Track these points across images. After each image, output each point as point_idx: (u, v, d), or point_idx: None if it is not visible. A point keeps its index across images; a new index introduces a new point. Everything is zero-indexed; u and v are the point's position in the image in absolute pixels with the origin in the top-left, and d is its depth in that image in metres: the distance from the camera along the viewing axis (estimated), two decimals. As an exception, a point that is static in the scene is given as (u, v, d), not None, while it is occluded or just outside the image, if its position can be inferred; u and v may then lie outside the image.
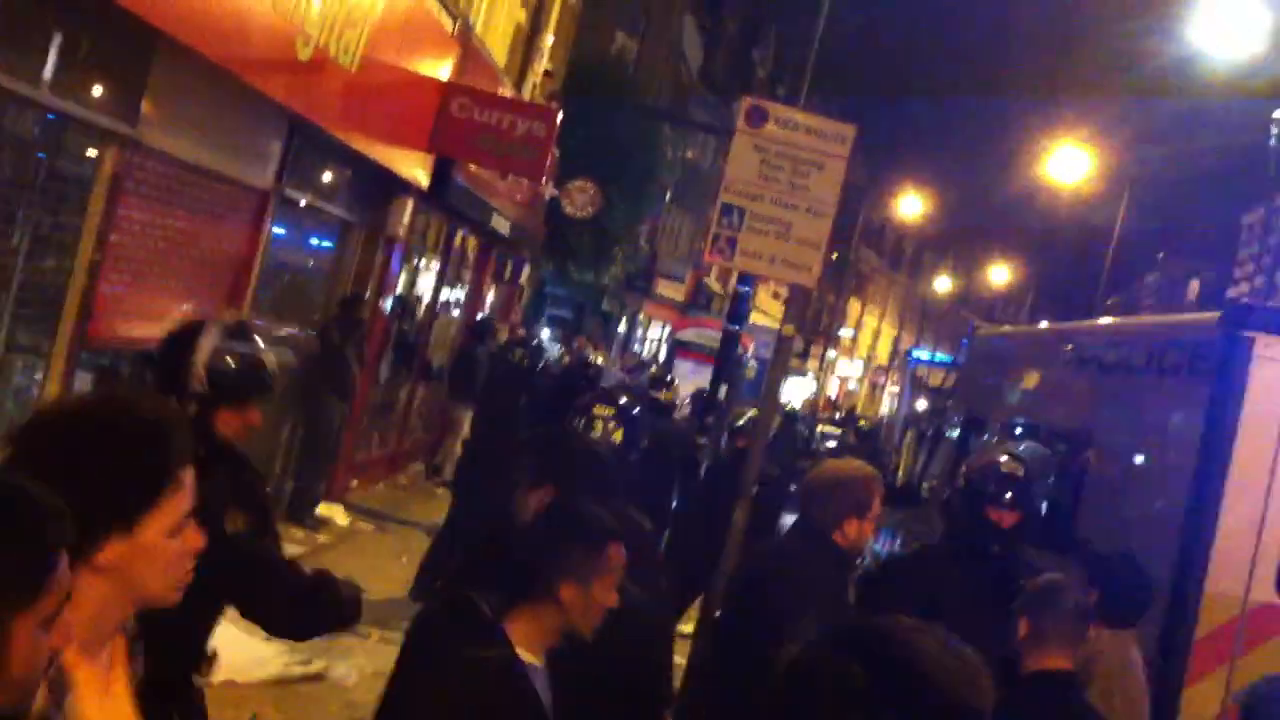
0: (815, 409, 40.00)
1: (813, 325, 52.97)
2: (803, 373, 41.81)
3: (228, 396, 3.53)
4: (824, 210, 6.83)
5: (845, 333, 61.01)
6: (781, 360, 7.13)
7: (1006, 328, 17.99)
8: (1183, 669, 5.32)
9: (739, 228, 6.78)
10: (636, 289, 32.69)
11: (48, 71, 6.16)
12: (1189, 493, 5.50)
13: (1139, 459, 6.45)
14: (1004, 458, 4.97)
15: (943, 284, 66.61)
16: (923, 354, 22.29)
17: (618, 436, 4.80)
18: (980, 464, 4.99)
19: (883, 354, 66.05)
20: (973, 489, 4.82)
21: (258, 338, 3.78)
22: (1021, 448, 5.17)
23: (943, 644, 1.69)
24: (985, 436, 8.70)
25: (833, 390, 57.00)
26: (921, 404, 19.05)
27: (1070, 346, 7.76)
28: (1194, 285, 50.54)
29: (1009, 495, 4.76)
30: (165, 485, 2.02)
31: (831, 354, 55.61)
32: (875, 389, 65.10)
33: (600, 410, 4.89)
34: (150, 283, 8.04)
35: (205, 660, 3.61)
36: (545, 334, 20.21)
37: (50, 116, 6.46)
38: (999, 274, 63.45)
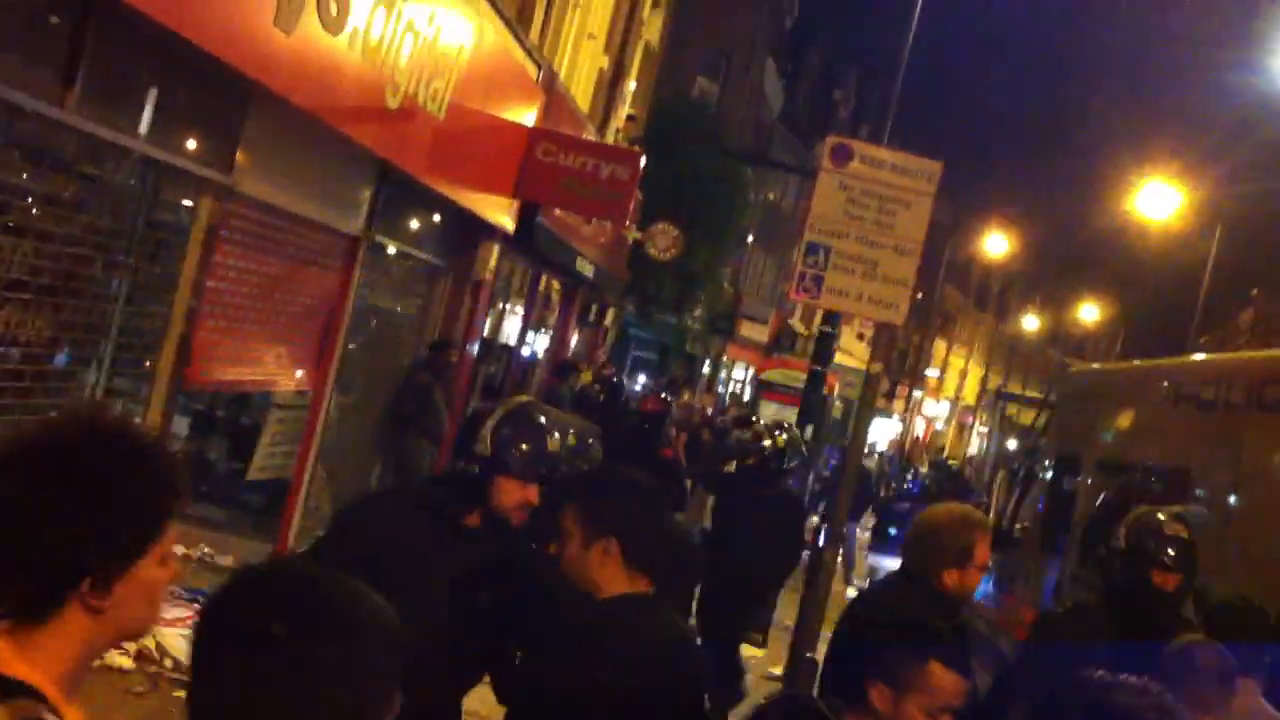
0: (902, 450, 39.57)
1: (899, 365, 52.53)
2: (889, 414, 41.42)
3: (507, 468, 3.61)
4: (911, 248, 6.78)
5: (931, 373, 60.39)
6: (868, 399, 7.06)
7: (1098, 365, 17.69)
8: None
9: (825, 266, 6.75)
10: (720, 331, 32.71)
11: (145, 122, 6.34)
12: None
13: (1239, 497, 6.29)
14: (1166, 518, 4.83)
15: (1030, 323, 65.74)
16: (1013, 393, 21.99)
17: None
18: (1142, 525, 4.84)
19: (970, 394, 65.25)
20: (1136, 550, 4.71)
21: (544, 419, 3.86)
22: (1181, 510, 5.03)
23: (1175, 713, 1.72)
24: (1078, 476, 8.54)
25: (919, 431, 56.39)
26: (1012, 443, 18.77)
27: (1166, 383, 7.61)
28: (1290, 321, 49.30)
29: (1172, 557, 4.66)
30: (169, 519, 1.92)
31: (918, 394, 55.08)
32: (963, 429, 64.27)
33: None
34: (244, 328, 8.19)
35: None
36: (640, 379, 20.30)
37: (148, 166, 6.62)
38: (1088, 312, 62.47)
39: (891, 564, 12.06)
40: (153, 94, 6.29)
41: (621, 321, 25.63)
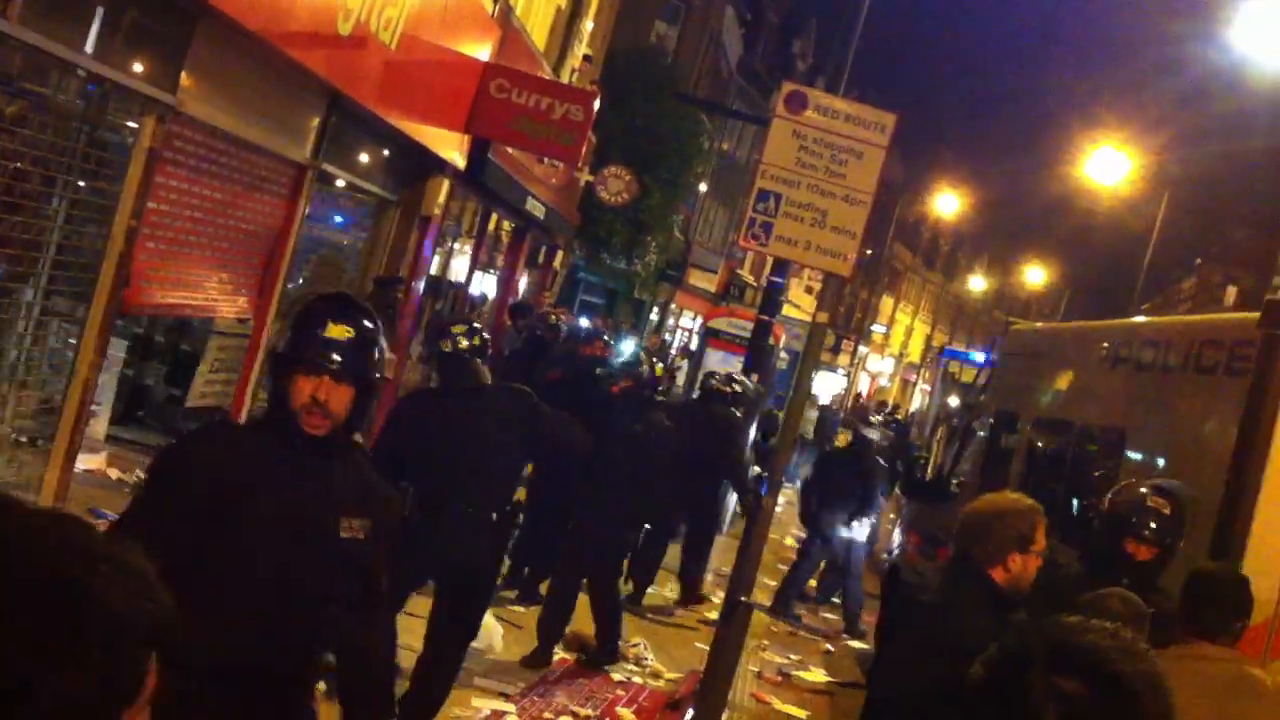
0: (843, 403, 39.85)
1: (845, 321, 52.81)
2: (834, 368, 41.66)
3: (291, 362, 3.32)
4: (861, 199, 6.79)
5: (878, 329, 60.79)
6: (813, 349, 7.08)
7: (1040, 325, 17.85)
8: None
9: (775, 213, 6.74)
10: (669, 279, 32.68)
11: (90, 37, 6.19)
12: (1224, 491, 5.44)
13: (1173, 459, 6.39)
14: (1148, 490, 4.90)
15: (977, 283, 66.30)
16: (956, 351, 22.17)
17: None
18: (1126, 496, 4.91)
19: (915, 352, 65.82)
20: (1114, 519, 4.79)
21: (342, 307, 3.47)
22: (1167, 484, 5.09)
23: (1147, 656, 1.71)
24: (1016, 433, 8.64)
25: (863, 386, 56.83)
26: (953, 401, 18.96)
27: (1106, 344, 7.69)
28: (1231, 291, 50.06)
29: (1150, 530, 4.73)
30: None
31: (863, 350, 55.43)
32: (907, 386, 64.86)
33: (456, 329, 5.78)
34: (185, 252, 8.06)
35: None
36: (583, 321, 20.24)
37: (91, 82, 6.48)
38: (1034, 274, 63.09)
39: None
40: (99, 9, 6.15)
41: (570, 265, 25.53)
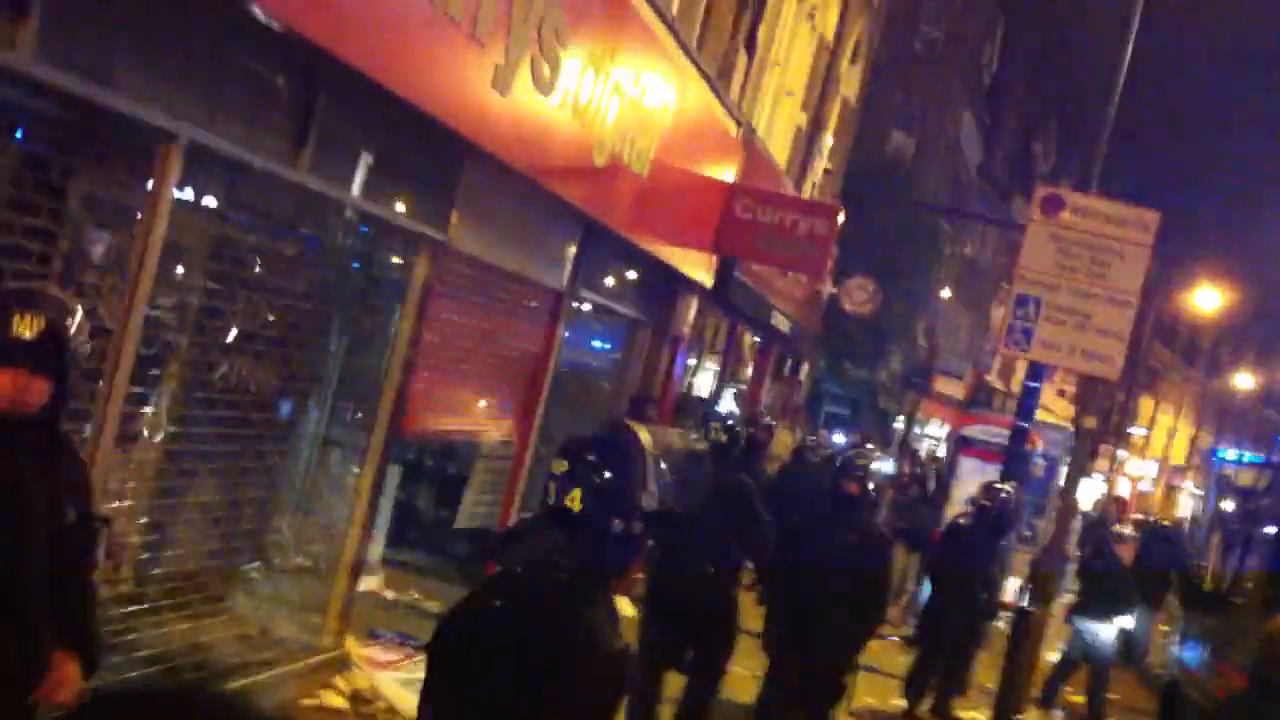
0: (1106, 511, 38.12)
1: (1103, 423, 50.71)
2: (1091, 473, 40.02)
3: None
4: (1126, 299, 6.62)
5: (1137, 431, 58.15)
6: (1081, 455, 6.88)
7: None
8: None
9: (1035, 318, 6.63)
10: (914, 386, 32.21)
11: (369, 181, 6.62)
12: None
13: None
14: None
15: (1243, 380, 62.84)
16: (1229, 453, 21.05)
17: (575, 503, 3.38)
18: None
19: (1178, 454, 62.59)
20: None
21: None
22: None
23: None
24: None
25: (1124, 491, 54.30)
26: (1228, 505, 17.94)
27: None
28: None
29: None
30: None
31: (1122, 454, 53.09)
32: (1171, 490, 61.63)
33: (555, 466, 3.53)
34: (455, 379, 8.44)
35: None
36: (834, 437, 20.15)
37: (370, 222, 6.92)
38: (1306, 370, 59.39)
39: (1099, 628, 11.73)
40: (376, 154, 6.58)
41: (814, 376, 25.50)
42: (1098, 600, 10.67)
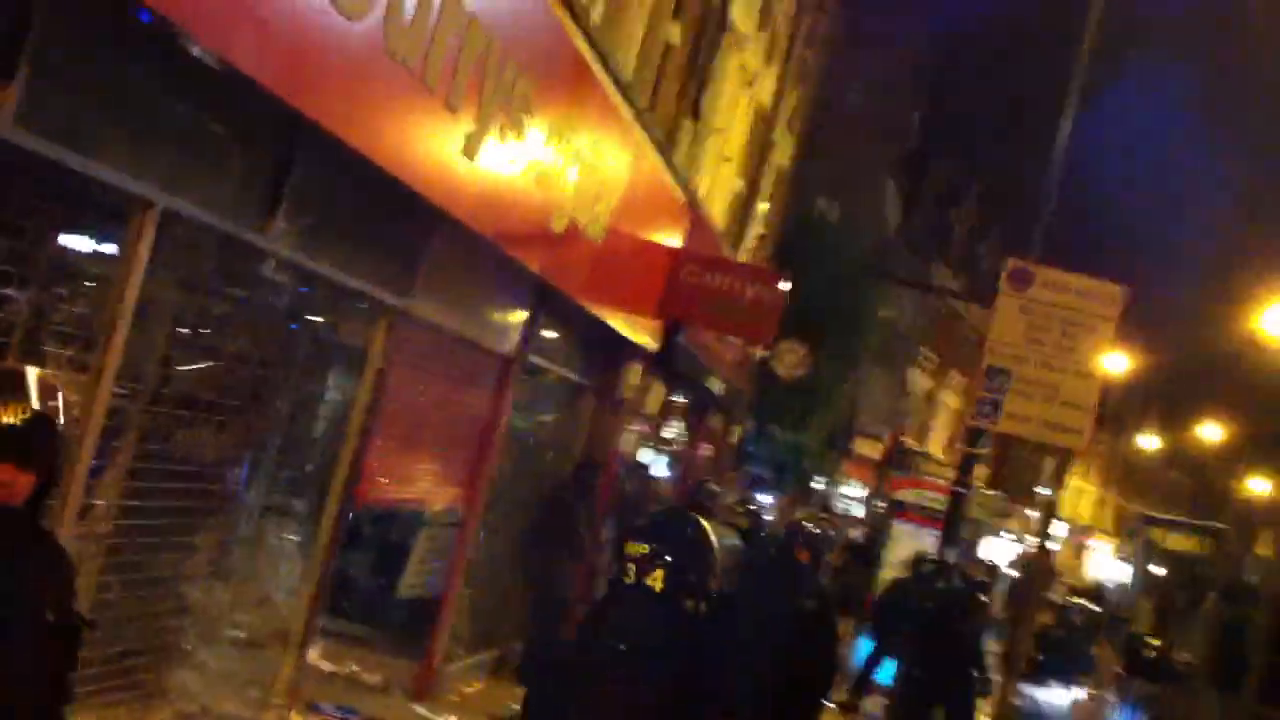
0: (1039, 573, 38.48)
1: (1015, 484, 51.44)
2: (1001, 532, 40.45)
3: None
4: (1091, 372, 6.68)
5: (1042, 490, 58.98)
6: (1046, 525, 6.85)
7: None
8: None
9: (1004, 390, 6.66)
10: (836, 447, 32.37)
11: (337, 248, 6.48)
12: None
13: None
14: None
15: (1149, 441, 64.19)
16: (1156, 516, 21.45)
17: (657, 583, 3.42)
18: None
19: (1084, 513, 63.64)
20: None
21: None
22: None
23: None
24: (1266, 612, 8.24)
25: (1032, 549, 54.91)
26: (1157, 570, 18.24)
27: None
28: None
29: None
30: None
31: (1032, 514, 53.78)
32: (1079, 550, 62.60)
33: (633, 549, 3.56)
34: (408, 446, 8.29)
35: None
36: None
37: (335, 290, 6.76)
38: (1210, 431, 60.86)
39: (1050, 694, 11.77)
40: (346, 222, 6.46)
41: (741, 439, 25.50)
42: (1055, 666, 10.71)
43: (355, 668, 9.67)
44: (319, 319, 6.96)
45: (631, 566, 3.37)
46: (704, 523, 3.55)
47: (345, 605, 11.64)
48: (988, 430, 6.82)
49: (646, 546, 3.38)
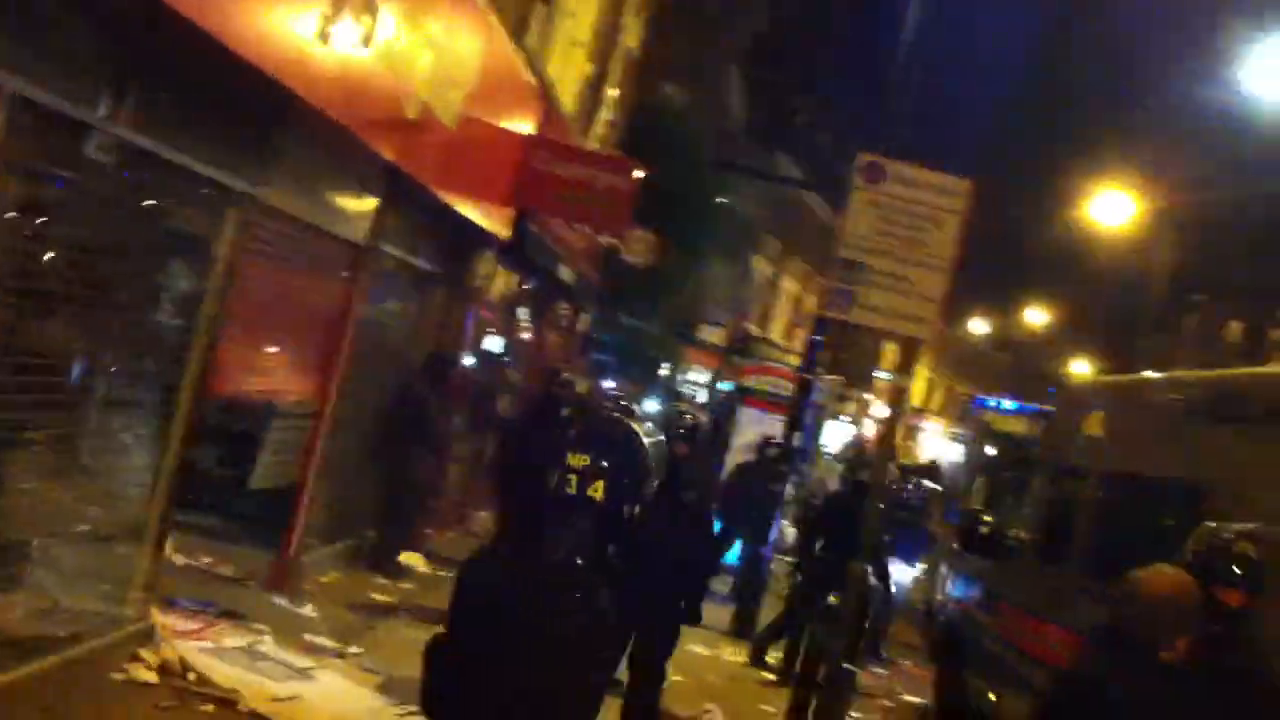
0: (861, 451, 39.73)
1: (846, 369, 52.76)
2: (841, 416, 41.65)
3: None
4: (941, 265, 6.88)
5: (881, 375, 60.73)
6: (902, 410, 7.13)
7: (1108, 378, 17.94)
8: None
9: (859, 282, 6.83)
10: (680, 335, 32.77)
11: (186, 133, 6.28)
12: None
13: (1264, 515, 6.42)
14: (1234, 536, 4.86)
15: (977, 326, 66.41)
16: (991, 401, 22.34)
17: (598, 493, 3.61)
18: (1210, 542, 4.85)
19: (917, 396, 65.74)
20: (1201, 568, 4.66)
21: None
22: (1251, 528, 5.08)
23: None
24: (1083, 488, 8.70)
25: (869, 433, 56.70)
26: (989, 451, 19.02)
27: (1181, 398, 7.76)
28: (1234, 327, 50.19)
29: (1239, 575, 4.70)
30: None
31: (867, 396, 55.38)
32: (911, 431, 64.76)
33: (575, 460, 3.68)
34: (260, 337, 8.15)
35: None
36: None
37: (184, 176, 6.56)
38: (1035, 316, 63.24)
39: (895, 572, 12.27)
40: (195, 106, 6.24)
41: (587, 327, 25.59)
42: (901, 546, 11.15)
43: (211, 560, 9.59)
44: (168, 206, 6.74)
45: (573, 478, 3.47)
46: (638, 430, 3.67)
47: (200, 498, 11.49)
48: (839, 320, 6.98)
49: (587, 458, 3.51)
